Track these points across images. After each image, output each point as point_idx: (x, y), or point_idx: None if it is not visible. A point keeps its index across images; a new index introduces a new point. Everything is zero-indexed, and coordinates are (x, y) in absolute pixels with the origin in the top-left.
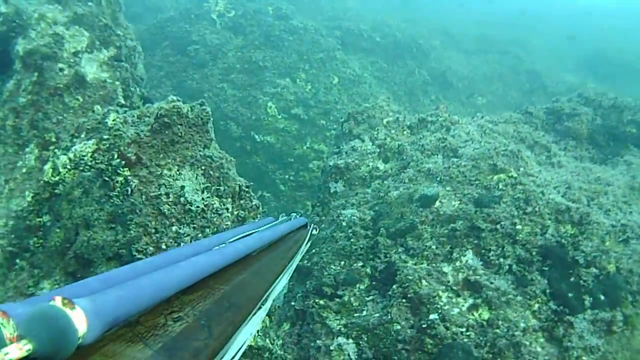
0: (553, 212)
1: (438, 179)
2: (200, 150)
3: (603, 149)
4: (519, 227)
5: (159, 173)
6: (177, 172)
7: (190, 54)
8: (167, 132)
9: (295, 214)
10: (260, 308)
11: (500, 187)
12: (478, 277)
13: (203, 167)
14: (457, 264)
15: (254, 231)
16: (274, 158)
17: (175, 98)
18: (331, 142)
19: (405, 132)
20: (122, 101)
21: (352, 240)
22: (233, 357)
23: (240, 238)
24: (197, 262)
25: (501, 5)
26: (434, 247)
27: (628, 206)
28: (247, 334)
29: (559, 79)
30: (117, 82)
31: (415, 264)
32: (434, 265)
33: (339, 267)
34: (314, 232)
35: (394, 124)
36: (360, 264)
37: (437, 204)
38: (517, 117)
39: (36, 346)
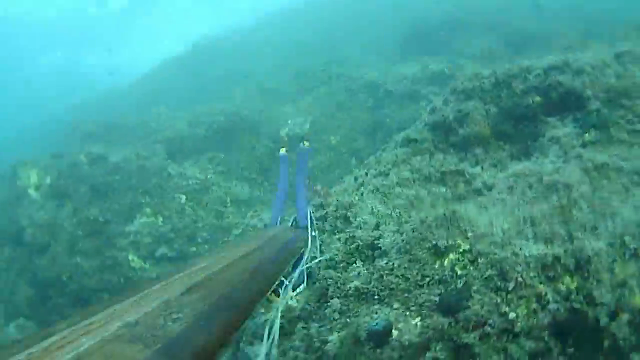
0: (540, 271)
1: (375, 297)
2: None
3: (517, 139)
4: (512, 315)
5: None
6: None
7: (28, 241)
8: None
9: (295, 216)
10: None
11: (459, 272)
12: None
13: None
14: None
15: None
16: None
17: None
18: None
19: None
20: None
21: None
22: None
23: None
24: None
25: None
26: None
27: (607, 205)
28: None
29: (398, 77)
30: None
31: None
32: None
33: None
34: (313, 233)
35: None
36: None
37: (395, 333)
38: (403, 153)
39: None
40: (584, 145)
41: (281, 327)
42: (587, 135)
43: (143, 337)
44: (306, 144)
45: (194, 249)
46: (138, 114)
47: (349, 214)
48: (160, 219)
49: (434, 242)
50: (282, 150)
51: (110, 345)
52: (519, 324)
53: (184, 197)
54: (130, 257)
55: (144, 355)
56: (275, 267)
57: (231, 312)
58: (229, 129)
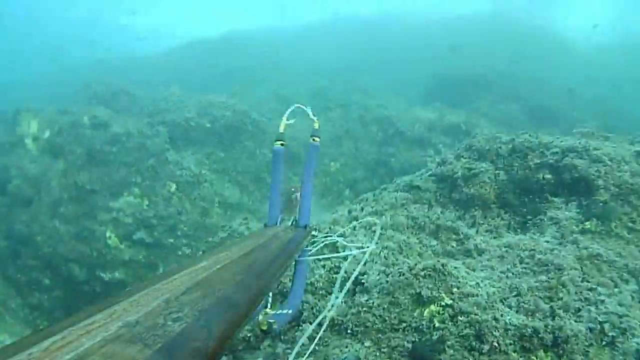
0: (517, 340)
1: (348, 331)
2: None
3: (518, 210)
4: None
5: None
6: None
7: (12, 192)
8: None
9: (294, 216)
10: None
11: (437, 324)
12: None
13: None
14: None
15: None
16: None
17: None
18: None
19: None
20: None
21: None
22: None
23: None
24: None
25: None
26: None
27: (594, 292)
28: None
29: (414, 119)
30: None
31: None
32: None
33: None
34: (313, 232)
35: None
36: None
37: None
38: (404, 198)
39: None
40: (582, 232)
41: (247, 341)
42: (588, 223)
43: (143, 337)
44: (317, 139)
45: (171, 240)
46: (150, 89)
47: (337, 244)
48: (146, 202)
49: (418, 290)
50: (278, 144)
51: (111, 345)
52: None
53: (174, 186)
54: (108, 234)
55: (144, 355)
56: (276, 268)
57: (232, 311)
58: (235, 128)
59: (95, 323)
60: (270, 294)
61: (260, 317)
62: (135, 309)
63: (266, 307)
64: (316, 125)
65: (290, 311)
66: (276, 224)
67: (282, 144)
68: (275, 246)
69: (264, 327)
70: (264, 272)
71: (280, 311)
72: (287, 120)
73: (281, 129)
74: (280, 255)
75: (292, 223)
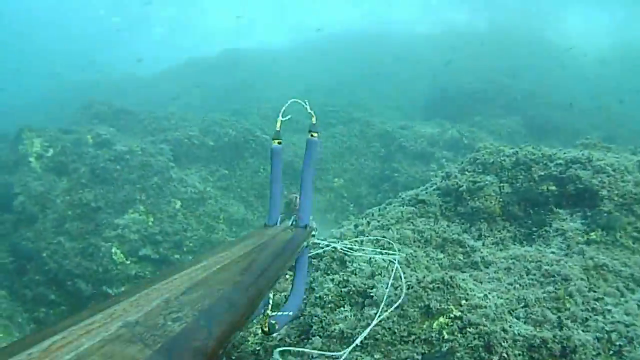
0: (525, 351)
1: (358, 343)
2: None
3: (523, 222)
4: None
5: None
6: None
7: (17, 209)
8: None
9: (294, 216)
10: None
11: (446, 336)
12: None
13: None
14: None
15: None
16: None
17: None
18: None
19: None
20: None
21: None
22: None
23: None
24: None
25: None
26: None
27: (601, 302)
28: None
29: (416, 134)
30: None
31: None
32: None
33: None
34: (314, 232)
35: None
36: None
37: None
38: (409, 212)
39: None
40: (588, 242)
41: (256, 354)
42: (593, 234)
43: (143, 337)
44: (315, 135)
45: (177, 256)
46: (150, 107)
47: (346, 258)
48: (152, 219)
49: (427, 303)
50: (275, 143)
51: (111, 345)
52: None
53: (179, 203)
54: (113, 250)
55: (144, 355)
56: (276, 268)
57: (231, 311)
58: (238, 146)
59: (95, 323)
60: (271, 295)
61: (262, 318)
62: (135, 309)
63: (268, 308)
64: (314, 120)
65: (291, 312)
66: (276, 224)
67: (279, 142)
68: (275, 246)
69: (266, 328)
70: (264, 272)
71: (281, 312)
72: (283, 117)
73: (277, 127)
74: (280, 255)
75: (292, 223)
